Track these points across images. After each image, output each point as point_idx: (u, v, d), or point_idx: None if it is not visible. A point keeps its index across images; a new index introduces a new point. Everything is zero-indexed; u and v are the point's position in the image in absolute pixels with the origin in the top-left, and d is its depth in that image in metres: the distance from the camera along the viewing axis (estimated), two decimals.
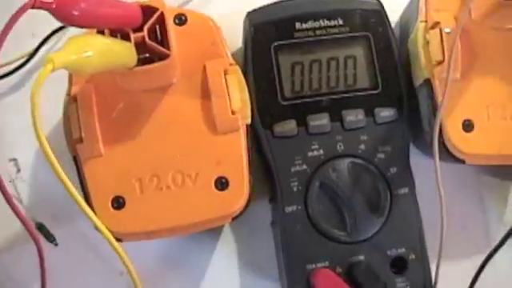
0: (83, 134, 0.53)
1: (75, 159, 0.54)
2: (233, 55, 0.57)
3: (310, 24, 0.57)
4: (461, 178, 0.63)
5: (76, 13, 0.40)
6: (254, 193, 0.55)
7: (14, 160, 0.63)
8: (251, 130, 0.56)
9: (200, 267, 0.61)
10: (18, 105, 0.63)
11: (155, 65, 0.50)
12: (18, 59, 0.63)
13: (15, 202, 0.47)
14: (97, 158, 0.53)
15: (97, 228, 0.48)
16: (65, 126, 0.54)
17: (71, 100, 0.53)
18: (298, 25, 0.57)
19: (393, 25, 0.60)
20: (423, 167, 0.57)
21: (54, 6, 0.38)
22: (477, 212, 0.63)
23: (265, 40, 0.57)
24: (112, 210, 0.52)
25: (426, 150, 0.58)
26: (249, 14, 0.58)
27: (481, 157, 0.56)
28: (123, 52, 0.47)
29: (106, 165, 0.53)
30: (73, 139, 0.53)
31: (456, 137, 0.55)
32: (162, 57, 0.50)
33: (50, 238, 0.60)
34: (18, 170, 0.62)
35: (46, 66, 0.38)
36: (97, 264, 0.60)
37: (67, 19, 0.40)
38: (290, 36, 0.57)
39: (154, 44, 0.49)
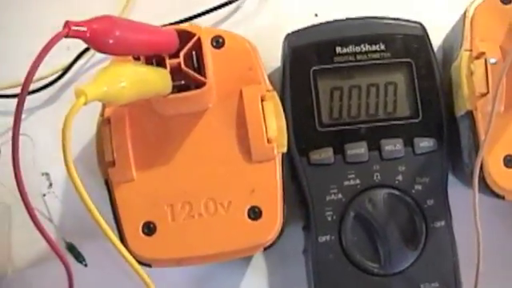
0: (116, 158, 0.52)
1: (107, 182, 0.53)
2: (269, 76, 0.56)
3: (350, 48, 0.56)
4: (501, 212, 0.61)
5: (111, 41, 0.38)
6: (287, 222, 0.53)
7: (47, 174, 0.62)
8: (286, 157, 0.54)
9: None
10: (52, 119, 0.61)
11: (191, 93, 0.49)
12: (53, 74, 0.62)
13: (45, 220, 0.46)
14: (129, 182, 0.52)
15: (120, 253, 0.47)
16: (97, 148, 0.53)
17: (105, 122, 0.53)
18: (338, 49, 0.56)
19: (435, 48, 0.58)
20: (461, 197, 0.55)
21: (88, 35, 0.37)
22: None
23: (304, 64, 0.56)
24: (142, 235, 0.52)
25: (465, 179, 0.56)
26: (288, 36, 0.57)
27: None
28: (157, 80, 0.46)
29: (137, 190, 0.52)
30: (105, 162, 0.52)
31: (496, 172, 0.53)
32: (199, 84, 0.49)
33: (80, 258, 0.59)
34: (50, 185, 0.62)
35: (78, 99, 0.36)
36: (127, 286, 0.59)
37: (102, 48, 0.39)
38: (329, 60, 0.56)
39: (190, 71, 0.48)
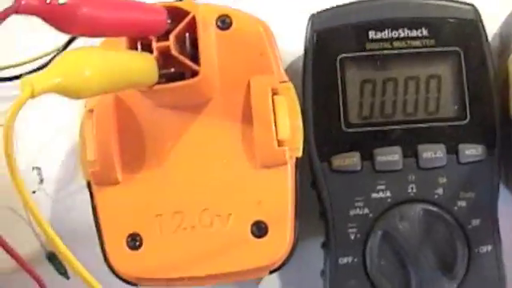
0: (98, 156, 0.46)
1: (89, 185, 0.48)
2: (291, 65, 0.52)
3: (386, 33, 0.49)
4: None
5: (76, 19, 0.32)
6: (306, 236, 0.49)
7: (38, 169, 0.57)
8: (307, 162, 0.49)
9: None
10: (43, 109, 0.56)
11: (180, 83, 0.42)
12: (45, 55, 0.56)
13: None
14: (113, 186, 0.47)
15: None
16: (80, 145, 0.48)
17: (88, 114, 0.47)
18: (371, 34, 0.49)
19: (490, 36, 0.51)
20: None
21: (43, 11, 0.31)
22: None
23: (330, 50, 0.50)
24: (127, 249, 0.46)
25: None
26: (312, 16, 0.51)
27: None
28: (139, 68, 0.40)
29: (122, 195, 0.47)
30: (86, 161, 0.47)
31: None
32: (193, 72, 0.42)
33: (61, 269, 0.53)
34: (41, 181, 0.56)
35: (22, 92, 0.31)
36: None
37: (65, 27, 0.33)
38: (361, 47, 0.50)
39: (180, 57, 0.42)
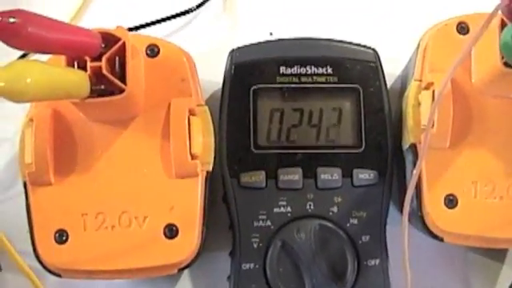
0: (34, 160, 0.53)
1: (25, 185, 0.54)
2: (215, 93, 0.58)
3: (295, 69, 0.57)
4: (445, 254, 0.61)
5: (21, 36, 0.39)
6: (218, 246, 0.56)
7: None
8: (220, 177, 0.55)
9: None
10: None
11: (108, 98, 0.49)
12: None
13: None
14: (46, 186, 0.54)
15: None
16: (20, 149, 0.54)
17: (28, 122, 0.54)
18: (282, 69, 0.56)
19: (395, 78, 0.60)
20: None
21: None
22: None
23: (245, 81, 0.57)
24: (54, 243, 0.53)
25: (411, 218, 0.56)
26: (232, 51, 0.57)
27: (461, 236, 0.54)
28: (73, 81, 0.47)
29: (53, 195, 0.54)
30: (24, 164, 0.53)
31: (436, 212, 0.53)
32: (121, 90, 0.50)
33: None
34: None
35: None
36: None
37: (11, 42, 0.40)
38: (272, 80, 0.56)
39: (109, 76, 0.49)
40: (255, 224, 0.55)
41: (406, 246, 0.51)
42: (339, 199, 0.55)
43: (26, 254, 0.58)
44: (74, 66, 0.50)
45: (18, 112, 0.60)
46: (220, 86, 0.58)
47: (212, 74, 0.59)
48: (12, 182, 0.63)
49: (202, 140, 0.54)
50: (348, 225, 0.55)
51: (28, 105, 0.56)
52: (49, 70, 0.44)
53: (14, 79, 0.40)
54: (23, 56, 0.62)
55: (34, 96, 0.42)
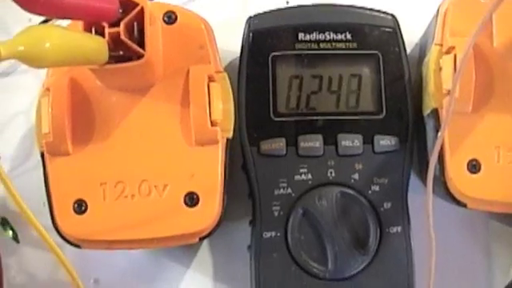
0: (51, 129, 0.53)
1: (42, 155, 0.54)
2: (232, 62, 0.58)
3: (314, 36, 0.56)
4: (467, 221, 0.61)
5: (38, 2, 0.39)
6: (237, 215, 0.56)
7: None
8: (238, 146, 0.55)
9: (173, 284, 0.61)
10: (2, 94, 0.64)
11: (127, 64, 0.49)
12: None
13: None
14: (63, 156, 0.53)
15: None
16: (36, 120, 0.54)
17: (45, 92, 0.54)
18: (300, 35, 0.56)
19: (413, 45, 0.60)
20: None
21: None
22: (481, 261, 0.61)
23: (263, 48, 0.56)
24: (73, 213, 0.53)
25: (433, 185, 0.54)
26: (250, 18, 0.57)
27: (485, 202, 0.54)
28: (91, 47, 0.47)
29: (72, 165, 0.53)
30: (41, 134, 0.53)
31: (459, 177, 0.53)
32: (139, 56, 0.50)
33: (13, 234, 0.61)
34: None
35: None
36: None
37: (29, 7, 0.39)
38: (291, 47, 0.56)
39: (128, 41, 0.49)
40: (276, 192, 0.55)
41: (430, 211, 0.51)
42: (360, 166, 0.55)
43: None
44: (91, 32, 0.49)
45: (32, 84, 0.61)
46: (238, 54, 0.58)
47: (230, 42, 0.58)
48: (28, 155, 0.63)
49: (222, 107, 0.54)
50: (370, 192, 0.55)
51: (43, 77, 0.56)
52: (68, 35, 0.44)
53: (33, 44, 0.40)
54: (43, 22, 0.61)
55: (52, 61, 0.41)
